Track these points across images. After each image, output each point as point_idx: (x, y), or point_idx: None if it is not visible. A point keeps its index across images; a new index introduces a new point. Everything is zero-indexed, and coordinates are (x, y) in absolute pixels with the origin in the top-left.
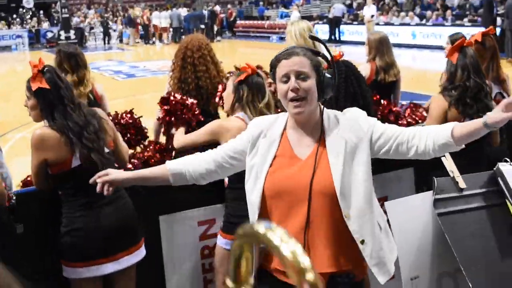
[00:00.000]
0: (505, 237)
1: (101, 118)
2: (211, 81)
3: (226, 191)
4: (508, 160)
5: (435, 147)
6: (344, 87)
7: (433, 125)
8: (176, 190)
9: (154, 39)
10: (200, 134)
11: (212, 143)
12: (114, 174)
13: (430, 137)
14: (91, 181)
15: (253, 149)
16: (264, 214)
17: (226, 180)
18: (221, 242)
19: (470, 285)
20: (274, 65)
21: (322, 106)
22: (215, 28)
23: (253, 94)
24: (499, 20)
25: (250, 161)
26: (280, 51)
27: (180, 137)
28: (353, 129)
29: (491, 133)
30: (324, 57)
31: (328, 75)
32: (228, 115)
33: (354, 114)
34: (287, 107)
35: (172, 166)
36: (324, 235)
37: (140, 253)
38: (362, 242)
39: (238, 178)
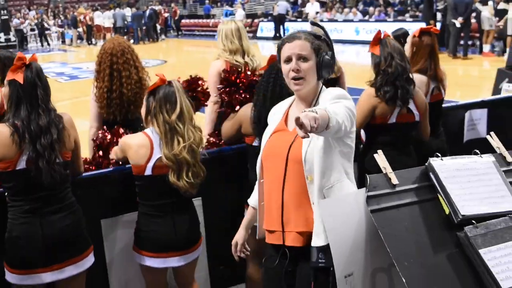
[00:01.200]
0: (437, 231)
1: (64, 129)
2: (131, 88)
3: (138, 204)
4: (439, 155)
5: None
6: (272, 87)
7: None
8: (117, 194)
9: (97, 39)
10: (117, 151)
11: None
12: (240, 239)
13: None
14: None
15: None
16: (261, 176)
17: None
18: (137, 258)
19: (404, 280)
20: (279, 47)
21: (321, 85)
22: (158, 27)
23: (161, 105)
24: (439, 15)
25: None
26: (287, 35)
27: (113, 156)
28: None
29: (419, 127)
30: (325, 40)
31: (327, 57)
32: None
33: (339, 92)
34: (289, 85)
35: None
36: (295, 196)
37: (87, 263)
38: None
39: (143, 194)
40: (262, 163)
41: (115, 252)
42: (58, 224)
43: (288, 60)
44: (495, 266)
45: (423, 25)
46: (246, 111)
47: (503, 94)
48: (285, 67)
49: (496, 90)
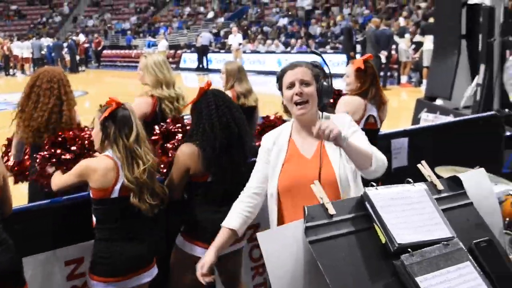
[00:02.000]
0: (374, 260)
1: None
2: (43, 114)
3: (94, 231)
4: (374, 184)
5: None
6: (217, 117)
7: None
8: (40, 230)
9: (15, 70)
10: (70, 176)
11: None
12: (208, 261)
13: None
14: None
15: (268, 157)
16: (281, 207)
17: (94, 219)
18: (92, 285)
19: None
20: (280, 75)
21: (321, 112)
22: (77, 58)
23: (120, 129)
24: (358, 47)
25: (267, 165)
26: (285, 65)
27: (57, 180)
28: (345, 128)
29: None
30: (321, 69)
31: (325, 84)
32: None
33: (344, 118)
34: (292, 110)
35: (235, 224)
36: None
37: None
38: None
39: (106, 218)
40: (281, 194)
41: None
42: None
43: (291, 86)
44: None
45: (343, 57)
46: (188, 153)
47: (422, 124)
48: (288, 93)
49: (416, 119)
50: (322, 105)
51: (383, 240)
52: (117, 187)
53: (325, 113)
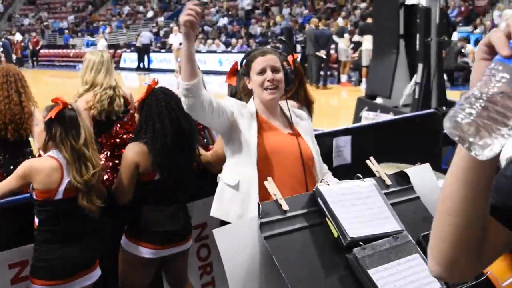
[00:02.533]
0: (328, 254)
1: None
2: (9, 107)
3: (35, 233)
4: (325, 180)
5: None
6: (167, 114)
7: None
8: None
9: None
10: (12, 180)
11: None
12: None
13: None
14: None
15: (238, 113)
16: (263, 172)
17: (36, 220)
18: None
19: None
20: (250, 60)
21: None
22: (14, 57)
23: (67, 131)
24: (298, 47)
25: (234, 121)
26: (253, 50)
27: (7, 183)
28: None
29: None
30: (284, 57)
31: (290, 71)
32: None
33: (304, 113)
34: (262, 95)
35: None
36: (310, 184)
37: None
38: None
39: (49, 220)
40: (264, 158)
41: None
42: None
43: (262, 72)
44: (384, 285)
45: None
46: (137, 150)
47: (364, 122)
48: (258, 78)
49: (357, 118)
50: (286, 91)
51: (336, 235)
52: (61, 188)
53: (289, 101)
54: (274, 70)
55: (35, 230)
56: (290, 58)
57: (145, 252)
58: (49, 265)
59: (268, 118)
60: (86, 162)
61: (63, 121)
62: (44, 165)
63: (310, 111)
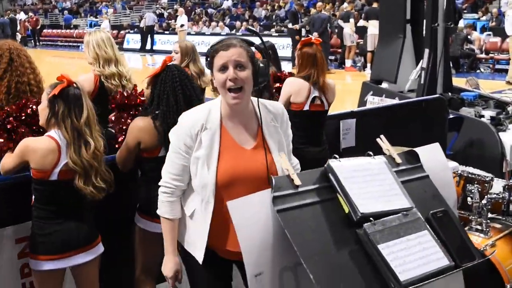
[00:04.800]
0: (339, 229)
1: None
2: (29, 82)
3: (32, 209)
4: (337, 156)
5: None
6: (181, 91)
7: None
8: None
9: None
10: (11, 158)
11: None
12: (173, 268)
13: None
14: None
15: (196, 143)
16: (219, 200)
17: (33, 197)
18: (35, 265)
19: (311, 276)
20: (212, 55)
21: (256, 99)
22: (19, 36)
23: (70, 108)
24: (303, 31)
25: (195, 154)
26: (217, 42)
27: (4, 164)
28: (283, 120)
29: None
30: (257, 48)
31: (261, 65)
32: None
33: (279, 108)
34: (225, 96)
35: (172, 215)
36: None
37: None
38: None
39: (44, 199)
40: (222, 187)
41: None
42: None
43: (224, 68)
44: (393, 260)
45: (288, 40)
46: (140, 126)
47: (369, 106)
48: (220, 76)
49: (362, 102)
50: (258, 88)
51: (346, 210)
52: (57, 170)
53: (260, 100)
54: (238, 66)
55: (32, 207)
56: (303, 40)
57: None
58: (46, 240)
59: (234, 125)
60: (87, 142)
61: (66, 99)
62: (39, 145)
63: (327, 95)
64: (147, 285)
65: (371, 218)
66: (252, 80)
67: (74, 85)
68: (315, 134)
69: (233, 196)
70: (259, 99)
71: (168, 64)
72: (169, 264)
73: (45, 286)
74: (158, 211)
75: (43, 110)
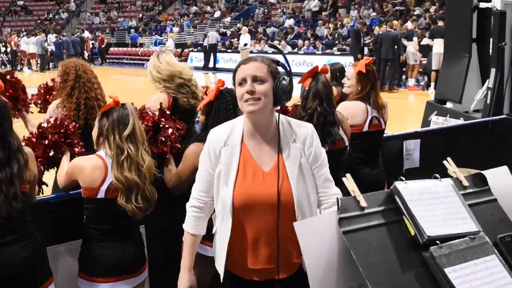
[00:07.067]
0: (404, 252)
1: (27, 162)
2: (93, 97)
3: (84, 229)
4: (403, 178)
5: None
6: (235, 117)
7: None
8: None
9: (22, 65)
10: (65, 176)
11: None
12: (186, 285)
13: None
14: None
15: (217, 159)
16: (236, 218)
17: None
18: (83, 284)
19: None
20: (234, 70)
21: (278, 115)
22: (86, 54)
23: (113, 126)
24: (366, 50)
25: (217, 169)
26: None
27: (59, 181)
28: (307, 143)
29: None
30: (283, 66)
31: (284, 82)
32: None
33: (307, 128)
34: (243, 108)
35: (196, 231)
36: (291, 232)
37: None
38: None
39: (93, 217)
40: (237, 208)
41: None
42: (20, 253)
43: (243, 81)
44: (460, 284)
45: (351, 59)
46: (197, 152)
47: (433, 126)
48: (239, 90)
49: (425, 122)
50: (281, 106)
51: (412, 233)
52: (103, 187)
53: (284, 116)
54: (256, 80)
55: (83, 225)
56: (363, 61)
57: (211, 251)
58: (91, 261)
59: (255, 144)
60: (129, 160)
61: (111, 117)
62: (86, 163)
63: (382, 114)
64: None
65: (437, 241)
66: (272, 95)
67: (122, 105)
68: (372, 155)
69: (249, 216)
70: (286, 117)
71: (221, 89)
72: (183, 281)
73: None
74: (183, 225)
75: (94, 130)
